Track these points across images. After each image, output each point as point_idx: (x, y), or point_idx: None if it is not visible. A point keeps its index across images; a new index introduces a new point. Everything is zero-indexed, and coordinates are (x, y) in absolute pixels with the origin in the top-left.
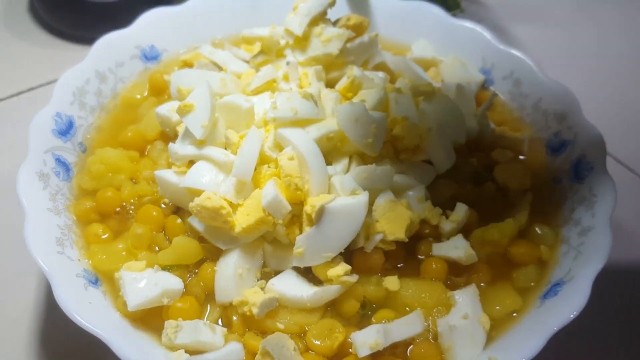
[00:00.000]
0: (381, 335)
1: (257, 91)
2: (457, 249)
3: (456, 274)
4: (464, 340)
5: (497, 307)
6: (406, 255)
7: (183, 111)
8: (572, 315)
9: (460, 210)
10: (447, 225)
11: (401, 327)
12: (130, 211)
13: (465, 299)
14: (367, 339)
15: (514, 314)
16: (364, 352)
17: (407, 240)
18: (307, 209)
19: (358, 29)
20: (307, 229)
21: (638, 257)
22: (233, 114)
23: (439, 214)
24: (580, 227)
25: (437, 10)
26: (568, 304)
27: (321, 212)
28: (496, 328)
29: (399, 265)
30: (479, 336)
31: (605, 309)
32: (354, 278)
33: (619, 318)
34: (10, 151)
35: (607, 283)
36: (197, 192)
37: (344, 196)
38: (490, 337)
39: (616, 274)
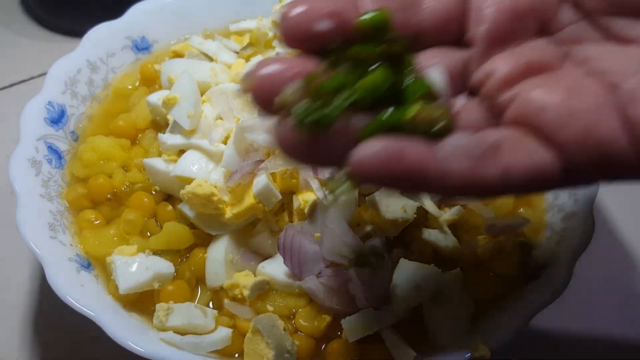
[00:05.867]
0: (371, 319)
1: None
2: (445, 239)
3: (440, 263)
4: (448, 322)
5: (481, 290)
6: (394, 240)
7: (168, 105)
8: (553, 298)
9: (457, 211)
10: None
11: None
12: (122, 197)
13: (449, 281)
14: (357, 324)
15: (498, 297)
16: (354, 337)
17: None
18: (300, 204)
19: None
20: (297, 221)
21: (619, 242)
22: (228, 102)
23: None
24: (563, 213)
25: None
26: (550, 287)
27: (313, 207)
28: (480, 310)
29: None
30: (463, 318)
31: (587, 291)
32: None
33: (599, 300)
34: (1, 143)
35: (589, 267)
36: (188, 180)
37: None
38: (474, 319)
39: (598, 258)
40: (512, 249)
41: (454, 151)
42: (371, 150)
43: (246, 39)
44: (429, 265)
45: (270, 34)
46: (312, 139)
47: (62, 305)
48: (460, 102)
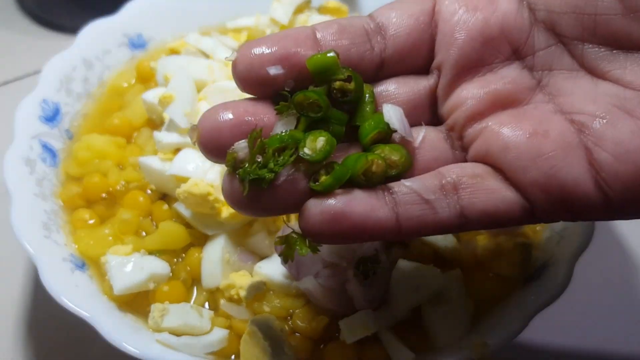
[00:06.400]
0: (369, 320)
1: None
2: (445, 239)
3: (439, 263)
4: (447, 323)
5: (480, 291)
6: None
7: (164, 103)
8: (553, 298)
9: None
10: None
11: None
12: (117, 196)
13: (449, 282)
14: (355, 325)
15: (498, 297)
16: (352, 338)
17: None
18: None
19: (337, 14)
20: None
21: (619, 242)
22: (225, 100)
23: None
24: None
25: None
26: (549, 287)
27: None
28: (480, 311)
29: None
30: (462, 319)
31: (587, 292)
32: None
33: (599, 300)
34: None
35: (589, 267)
36: (184, 179)
37: None
38: (473, 320)
39: (598, 259)
40: (512, 249)
41: (407, 196)
42: (315, 210)
43: (243, 36)
44: (428, 265)
45: (268, 31)
46: (256, 194)
47: (56, 306)
48: (423, 133)
